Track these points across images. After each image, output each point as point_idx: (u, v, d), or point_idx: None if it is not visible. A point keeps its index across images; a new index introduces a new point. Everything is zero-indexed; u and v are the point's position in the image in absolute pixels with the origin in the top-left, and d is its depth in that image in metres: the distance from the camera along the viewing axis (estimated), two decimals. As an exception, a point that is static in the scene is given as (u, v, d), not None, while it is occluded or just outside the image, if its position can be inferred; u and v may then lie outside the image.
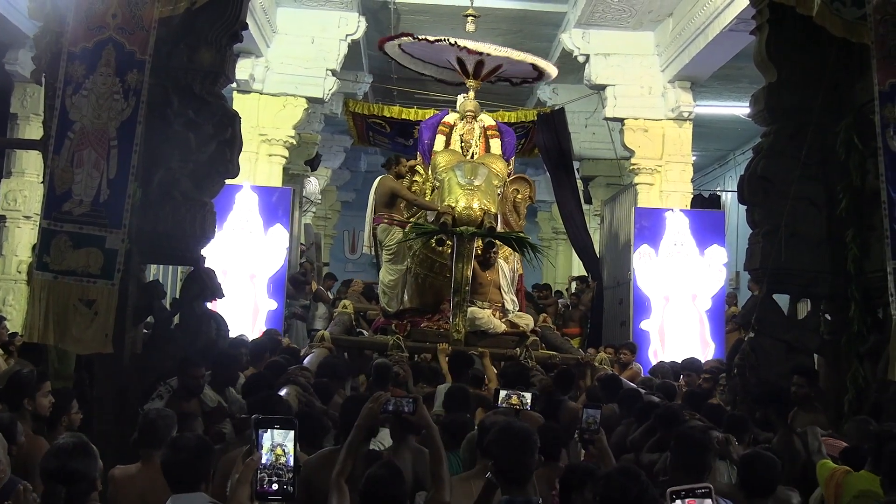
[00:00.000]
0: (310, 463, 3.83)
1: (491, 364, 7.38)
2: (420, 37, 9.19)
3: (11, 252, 10.42)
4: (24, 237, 10.28)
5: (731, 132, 15.27)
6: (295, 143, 12.03)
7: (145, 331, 5.97)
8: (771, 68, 6.12)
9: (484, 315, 8.26)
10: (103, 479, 3.57)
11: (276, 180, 11.53)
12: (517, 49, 9.55)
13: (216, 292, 5.98)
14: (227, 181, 6.24)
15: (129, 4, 5.07)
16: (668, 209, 10.86)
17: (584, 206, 12.97)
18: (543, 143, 10.85)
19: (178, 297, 6.09)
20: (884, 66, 4.89)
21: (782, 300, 6.19)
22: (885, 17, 4.87)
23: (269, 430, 2.36)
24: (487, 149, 9.21)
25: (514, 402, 4.62)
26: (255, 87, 11.44)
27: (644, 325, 10.28)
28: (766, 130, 6.27)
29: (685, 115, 11.62)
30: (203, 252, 5.99)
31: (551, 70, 9.80)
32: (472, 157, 9.03)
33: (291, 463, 2.36)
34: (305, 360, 6.91)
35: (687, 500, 2.37)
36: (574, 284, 13.99)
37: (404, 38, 9.39)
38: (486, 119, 9.53)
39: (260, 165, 11.49)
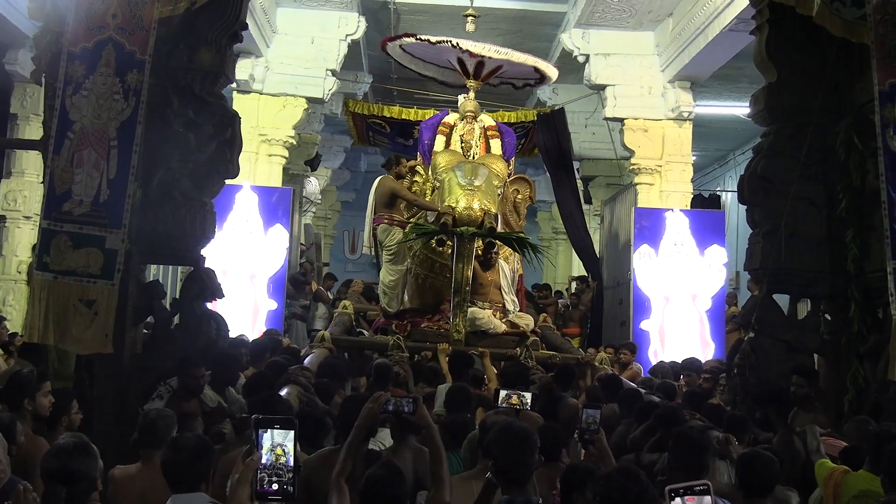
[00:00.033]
0: (310, 463, 3.83)
1: (491, 364, 7.38)
2: (422, 37, 9.19)
3: (11, 252, 10.42)
4: (24, 237, 10.28)
5: (731, 132, 15.27)
6: (295, 143, 12.03)
7: (145, 331, 5.97)
8: (771, 68, 6.12)
9: (484, 315, 8.26)
10: (103, 479, 3.57)
11: (276, 180, 11.52)
12: (517, 49, 9.54)
13: (216, 292, 5.98)
14: (227, 181, 6.24)
15: (129, 4, 5.07)
16: (668, 209, 10.85)
17: (584, 206, 12.95)
18: (543, 143, 10.83)
19: (178, 297, 6.09)
20: (884, 66, 4.90)
21: (782, 300, 6.18)
22: (885, 17, 4.88)
23: (269, 430, 2.36)
24: (488, 149, 9.20)
25: (514, 402, 4.62)
26: (255, 88, 11.44)
27: (644, 325, 10.28)
28: (766, 130, 6.26)
29: (685, 115, 11.61)
30: (203, 252, 6.00)
31: (552, 73, 9.79)
32: (473, 157, 9.02)
33: (291, 463, 2.36)
34: (306, 361, 6.90)
35: (686, 498, 2.36)
36: (574, 284, 13.99)
37: (406, 38, 9.37)
38: (487, 119, 9.51)
39: (260, 165, 11.49)
